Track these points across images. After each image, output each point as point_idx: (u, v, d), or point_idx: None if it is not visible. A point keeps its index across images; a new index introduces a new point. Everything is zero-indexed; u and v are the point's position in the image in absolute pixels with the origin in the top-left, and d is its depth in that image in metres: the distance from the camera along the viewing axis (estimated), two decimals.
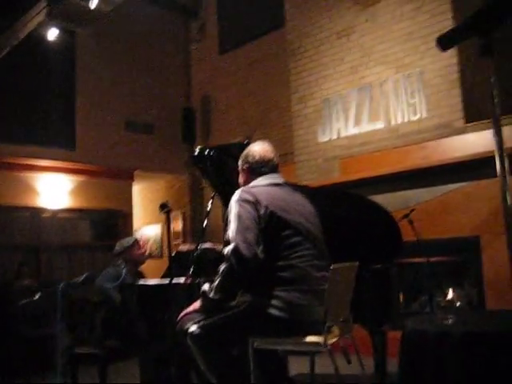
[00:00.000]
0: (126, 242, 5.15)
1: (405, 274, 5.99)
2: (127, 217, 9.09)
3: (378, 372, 3.64)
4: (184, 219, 10.06)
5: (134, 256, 5.08)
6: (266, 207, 2.83)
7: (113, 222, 8.81)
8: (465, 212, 5.66)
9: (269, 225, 2.82)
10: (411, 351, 2.19)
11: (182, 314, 3.00)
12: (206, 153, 4.14)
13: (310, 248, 2.91)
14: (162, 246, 10.28)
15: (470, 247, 5.63)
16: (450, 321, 2.35)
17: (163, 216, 3.38)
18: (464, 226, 5.66)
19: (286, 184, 3.14)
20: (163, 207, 3.18)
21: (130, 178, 9.25)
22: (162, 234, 10.29)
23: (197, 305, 2.97)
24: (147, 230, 10.67)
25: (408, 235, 4.67)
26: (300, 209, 3.01)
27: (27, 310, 6.19)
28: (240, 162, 3.20)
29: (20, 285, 6.80)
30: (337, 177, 6.82)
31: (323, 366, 4.23)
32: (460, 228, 5.68)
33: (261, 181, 3.05)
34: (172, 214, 9.81)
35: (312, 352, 3.63)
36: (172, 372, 3.19)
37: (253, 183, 3.05)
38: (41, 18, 5.54)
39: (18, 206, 7.78)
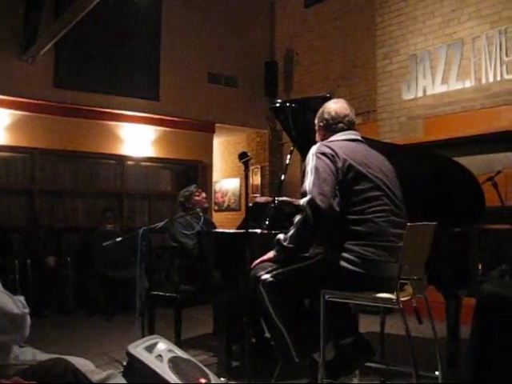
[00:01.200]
0: (186, 190, 5.31)
1: (487, 241, 5.77)
2: (207, 168, 9.25)
3: (450, 337, 3.55)
4: (263, 174, 10.12)
5: (195, 202, 5.23)
6: (345, 160, 2.83)
7: (193, 172, 9.00)
8: None
9: (347, 177, 2.82)
10: (487, 314, 2.14)
11: (255, 262, 3.05)
12: (287, 105, 4.13)
13: (388, 203, 2.87)
14: (240, 199, 10.43)
15: None
16: None
17: (242, 170, 3.41)
18: None
19: (364, 140, 3.13)
20: (242, 156, 3.21)
21: (211, 131, 9.36)
22: (241, 188, 10.42)
23: (271, 254, 3.02)
24: (226, 182, 10.85)
25: (492, 200, 4.49)
26: (379, 164, 2.99)
27: (110, 253, 6.53)
28: (316, 120, 3.20)
29: (104, 229, 7.14)
30: (420, 137, 6.61)
31: (394, 325, 4.23)
32: None
33: (338, 136, 3.05)
34: (251, 168, 9.90)
35: (384, 309, 3.62)
36: (243, 320, 3.26)
37: (330, 138, 3.05)
38: None
39: (104, 153, 8.10)
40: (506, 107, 5.80)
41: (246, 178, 3.31)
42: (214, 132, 9.46)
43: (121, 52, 8.04)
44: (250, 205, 4.33)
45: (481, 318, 2.16)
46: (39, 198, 7.43)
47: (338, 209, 2.79)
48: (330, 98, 3.40)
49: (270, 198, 4.30)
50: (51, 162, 7.65)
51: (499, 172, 4.65)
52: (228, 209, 10.77)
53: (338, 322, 3.14)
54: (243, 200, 9.66)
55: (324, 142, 2.99)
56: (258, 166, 10.13)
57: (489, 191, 4.40)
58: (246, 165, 3.25)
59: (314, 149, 2.92)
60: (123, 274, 6.44)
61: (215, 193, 10.83)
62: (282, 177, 4.30)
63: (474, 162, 5.37)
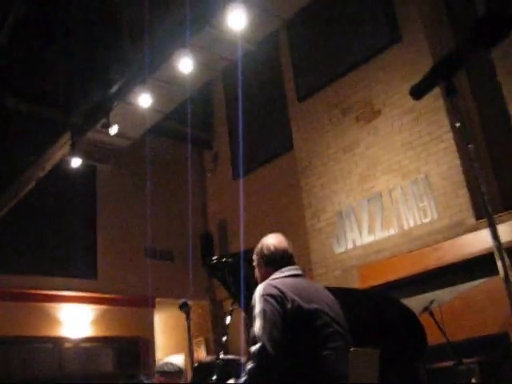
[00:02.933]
0: (177, 366, 5.16)
1: (434, 381, 5.78)
2: (149, 344, 8.99)
3: None
4: (207, 345, 9.89)
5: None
6: (293, 300, 2.78)
7: (135, 349, 8.71)
8: (490, 308, 5.60)
9: (297, 319, 2.76)
10: None
11: None
12: (223, 260, 4.25)
13: (339, 339, 2.85)
14: (186, 376, 10.01)
15: (500, 345, 5.48)
16: None
17: (186, 346, 3.41)
18: (491, 323, 5.56)
19: (303, 274, 3.13)
20: (183, 306, 3.24)
21: (151, 306, 9.26)
22: (186, 364, 10.06)
23: None
24: (171, 360, 10.45)
25: (433, 338, 4.58)
26: (324, 298, 2.97)
27: None
28: (255, 256, 3.19)
29: None
30: (356, 286, 6.83)
31: None
32: (486, 326, 5.58)
33: (280, 273, 3.01)
34: (195, 341, 9.62)
35: None
36: None
37: (273, 275, 3.01)
38: (65, 150, 5.94)
39: (40, 336, 7.78)
40: (428, 248, 6.19)
41: (189, 328, 3.33)
42: (154, 307, 9.35)
43: (57, 233, 8.16)
44: (195, 365, 4.25)
45: None
46: None
47: (289, 352, 2.72)
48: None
49: (215, 357, 4.23)
50: None
51: (433, 301, 4.83)
52: None
53: None
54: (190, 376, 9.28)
55: (269, 282, 2.92)
56: (202, 339, 9.92)
57: (429, 327, 4.52)
58: (187, 314, 3.28)
59: (260, 290, 2.86)
60: None
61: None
62: (224, 338, 4.25)
63: (410, 303, 5.54)
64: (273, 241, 3.14)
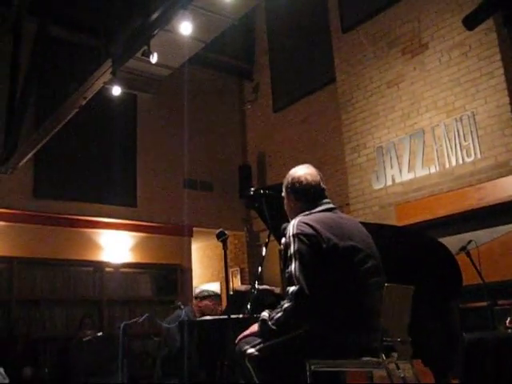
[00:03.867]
0: (213, 291, 5.33)
1: (469, 319, 5.80)
2: (187, 272, 9.24)
3: None
4: (242, 276, 10.11)
5: (208, 307, 5.21)
6: (328, 239, 2.71)
7: (173, 277, 8.98)
8: None
9: (332, 257, 2.72)
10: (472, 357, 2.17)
11: (239, 336, 3.02)
12: (261, 192, 4.24)
13: (374, 275, 2.83)
14: (221, 304, 10.30)
15: None
16: None
17: (222, 275, 3.45)
18: None
19: (337, 207, 3.02)
20: (220, 235, 3.26)
21: (189, 235, 9.46)
22: (222, 292, 10.34)
23: (254, 328, 2.97)
24: (207, 287, 10.76)
25: (469, 278, 4.54)
26: (359, 234, 2.91)
27: (89, 361, 6.38)
28: (284, 189, 3.02)
29: (83, 336, 6.96)
30: (393, 223, 6.79)
31: None
32: None
33: (313, 208, 2.91)
34: (231, 270, 9.84)
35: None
36: None
37: (307, 212, 2.90)
38: (105, 78, 5.92)
39: (83, 260, 8.09)
40: (470, 188, 6.07)
41: (225, 256, 3.36)
42: (191, 236, 9.55)
43: (98, 160, 8.31)
44: (231, 293, 4.34)
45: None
46: (16, 308, 7.31)
47: (324, 292, 2.69)
48: None
49: (250, 286, 4.30)
50: (29, 270, 7.61)
51: (470, 241, 4.77)
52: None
53: None
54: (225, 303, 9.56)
55: (302, 219, 2.82)
56: (237, 269, 10.14)
57: (465, 268, 4.48)
58: (225, 243, 3.31)
59: (293, 228, 2.76)
60: (105, 381, 6.22)
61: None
62: (259, 269, 4.30)
63: (447, 243, 5.50)
64: (304, 173, 2.98)
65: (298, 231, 2.72)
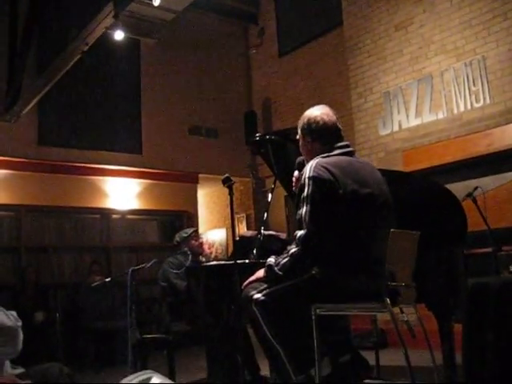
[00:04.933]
0: (184, 232, 5.35)
1: (473, 265, 5.83)
2: (193, 218, 9.29)
3: (446, 363, 3.46)
4: (248, 222, 10.18)
5: (192, 246, 5.26)
6: (345, 185, 2.67)
7: (179, 223, 9.04)
8: None
9: (347, 204, 2.68)
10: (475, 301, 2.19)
11: (246, 282, 3.05)
12: (266, 137, 4.20)
13: (384, 218, 2.83)
14: (227, 249, 10.44)
15: None
16: None
17: (228, 221, 3.44)
18: None
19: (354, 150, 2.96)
20: (226, 181, 3.24)
21: (195, 181, 9.47)
22: (227, 238, 10.45)
23: (260, 274, 2.99)
24: (213, 233, 10.87)
25: (474, 224, 4.54)
26: (376, 180, 2.87)
27: (98, 305, 6.51)
28: (300, 130, 2.95)
29: (91, 281, 7.08)
30: (399, 169, 6.76)
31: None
32: None
33: (331, 150, 2.83)
34: (237, 217, 9.88)
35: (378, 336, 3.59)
36: (237, 358, 3.23)
37: (323, 154, 2.82)
38: (107, 23, 5.78)
39: (89, 207, 8.14)
40: (478, 134, 5.99)
41: (231, 202, 3.35)
42: (197, 182, 9.57)
43: (103, 107, 8.23)
44: (237, 239, 4.35)
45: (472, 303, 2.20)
46: (25, 255, 7.41)
47: (333, 240, 2.69)
48: None
49: (256, 232, 4.32)
50: (37, 218, 7.69)
51: (476, 188, 4.76)
52: (215, 260, 10.74)
53: (334, 337, 3.14)
54: (230, 249, 9.68)
55: (319, 161, 2.75)
56: (243, 215, 10.20)
57: (470, 214, 4.47)
58: (231, 189, 3.29)
59: (310, 169, 2.71)
60: (113, 325, 6.37)
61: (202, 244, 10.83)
62: (265, 215, 4.29)
63: (454, 189, 5.48)
64: (320, 113, 2.91)
65: (315, 174, 2.68)
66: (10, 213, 7.49)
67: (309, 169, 2.72)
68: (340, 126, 2.90)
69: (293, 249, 2.73)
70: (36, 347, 6.30)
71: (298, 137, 3.00)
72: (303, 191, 2.71)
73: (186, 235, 5.30)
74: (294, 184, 3.04)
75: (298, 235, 2.69)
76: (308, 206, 2.67)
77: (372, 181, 2.83)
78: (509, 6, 5.81)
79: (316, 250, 2.70)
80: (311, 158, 2.84)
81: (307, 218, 2.66)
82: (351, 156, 2.89)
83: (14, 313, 2.04)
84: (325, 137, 2.86)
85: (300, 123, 2.96)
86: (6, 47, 7.17)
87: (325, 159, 2.76)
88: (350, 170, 2.75)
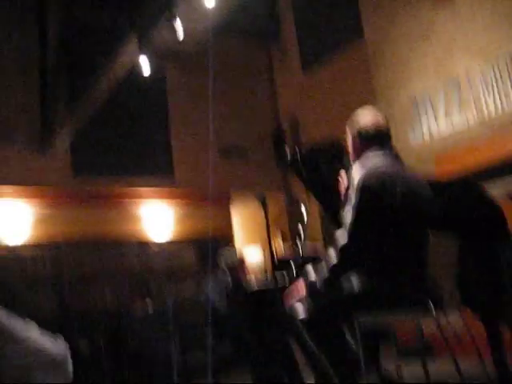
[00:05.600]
0: (231, 262, 5.32)
1: None
2: (228, 239, 9.32)
3: (498, 371, 3.35)
4: (283, 236, 10.14)
5: (237, 275, 5.25)
6: (393, 195, 2.69)
7: (216, 244, 9.05)
8: None
9: (393, 213, 2.69)
10: None
11: (286, 298, 2.99)
12: (298, 153, 4.24)
13: (427, 227, 2.86)
14: (265, 271, 10.35)
15: None
16: None
17: (264, 237, 3.41)
18: None
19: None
20: (260, 197, 3.27)
21: (227, 202, 9.51)
22: (264, 256, 10.38)
23: (301, 289, 2.90)
24: (248, 250, 10.82)
25: None
26: (421, 190, 2.88)
27: (143, 333, 6.56)
28: (349, 132, 2.97)
29: (135, 310, 7.17)
30: (431, 176, 6.68)
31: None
32: None
33: (380, 155, 2.82)
34: (272, 232, 9.83)
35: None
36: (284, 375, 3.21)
37: (372, 158, 2.82)
38: (133, 57, 5.92)
39: (127, 235, 8.25)
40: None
41: (267, 218, 3.35)
42: (231, 203, 9.60)
43: (133, 135, 8.35)
44: (276, 262, 4.35)
45: None
46: (68, 287, 7.55)
47: (375, 251, 2.70)
48: (338, 144, 3.38)
49: (294, 252, 4.30)
50: (77, 250, 7.81)
51: None
52: (256, 283, 10.66)
53: (380, 348, 3.10)
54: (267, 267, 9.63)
55: (370, 171, 2.76)
56: (278, 230, 10.16)
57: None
58: (264, 204, 3.31)
59: (360, 177, 2.72)
60: (157, 351, 6.41)
61: None
62: (301, 231, 4.30)
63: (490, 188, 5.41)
64: (370, 117, 2.94)
65: (366, 184, 2.69)
66: (51, 248, 7.66)
67: (358, 176, 2.73)
68: (388, 129, 2.92)
69: (332, 260, 2.71)
70: (85, 378, 6.40)
71: (347, 141, 3.02)
72: (352, 197, 2.71)
73: (233, 266, 5.31)
74: (339, 183, 3.07)
75: (340, 244, 2.67)
76: (355, 215, 2.67)
77: (417, 190, 2.84)
78: None
79: (355, 260, 2.71)
80: (357, 157, 2.89)
81: (351, 228, 2.66)
82: (399, 162, 2.91)
83: (61, 336, 1.99)
84: (373, 141, 2.86)
85: (348, 125, 2.98)
86: (37, 84, 7.36)
87: (374, 169, 2.76)
88: (397, 179, 2.76)
